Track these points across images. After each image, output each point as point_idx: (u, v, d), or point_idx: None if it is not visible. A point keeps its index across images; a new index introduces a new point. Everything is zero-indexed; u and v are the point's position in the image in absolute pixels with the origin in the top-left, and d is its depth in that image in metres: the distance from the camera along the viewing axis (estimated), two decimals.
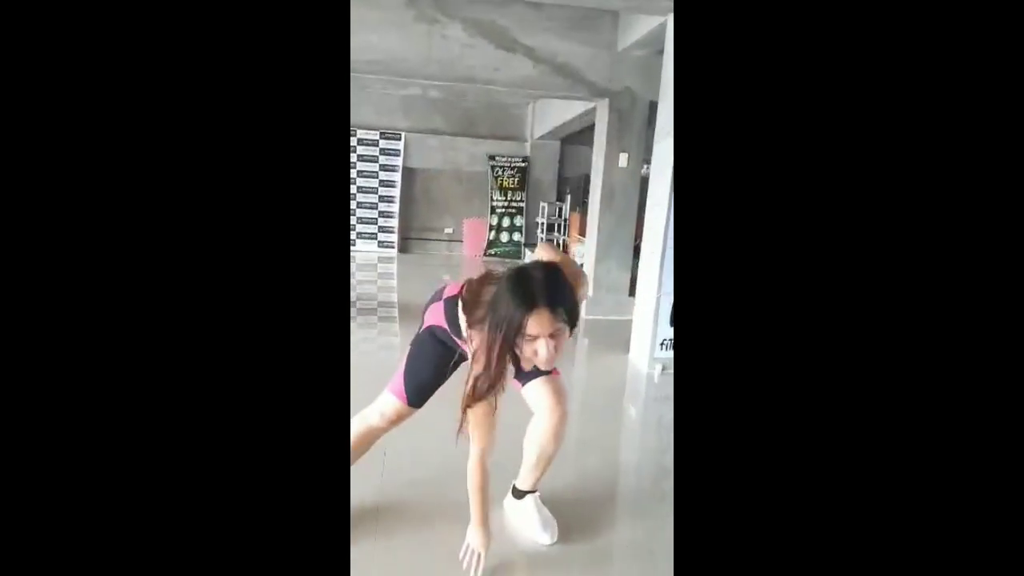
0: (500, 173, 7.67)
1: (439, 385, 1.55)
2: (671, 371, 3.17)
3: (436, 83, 4.07)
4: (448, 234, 7.91)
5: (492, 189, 7.67)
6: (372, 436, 1.61)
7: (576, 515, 1.70)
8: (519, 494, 1.66)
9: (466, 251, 7.81)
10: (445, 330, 1.47)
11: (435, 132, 7.51)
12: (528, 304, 1.16)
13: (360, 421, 1.60)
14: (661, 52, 3.34)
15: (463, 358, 1.44)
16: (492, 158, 7.64)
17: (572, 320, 1.22)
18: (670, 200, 3.05)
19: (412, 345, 1.56)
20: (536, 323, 1.16)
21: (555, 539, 1.58)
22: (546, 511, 1.64)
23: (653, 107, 3.90)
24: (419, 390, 1.53)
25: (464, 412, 1.32)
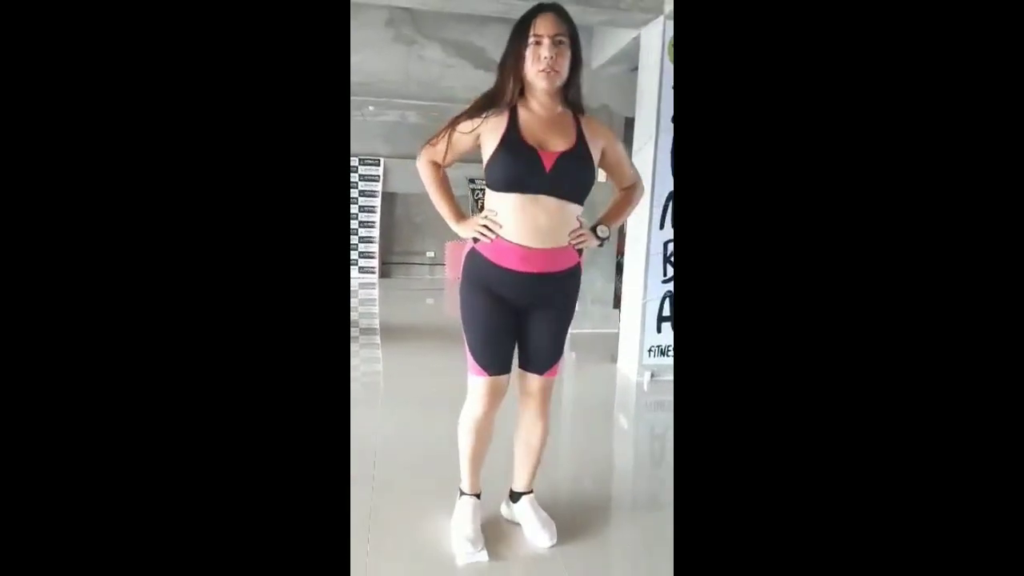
0: (480, 196, 7.71)
1: (510, 338, 1.43)
2: (660, 378, 3.16)
3: (416, 104, 4.11)
4: (430, 258, 7.90)
5: (473, 212, 7.70)
6: (486, 426, 1.50)
7: (573, 519, 1.67)
8: (515, 497, 1.63)
9: (449, 274, 7.79)
10: (480, 255, 1.39)
11: (415, 157, 7.55)
12: (533, 11, 1.32)
13: (465, 421, 1.51)
14: (634, 69, 3.42)
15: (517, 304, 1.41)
16: (472, 181, 7.70)
17: (576, 57, 1.34)
18: (651, 209, 3.09)
19: (461, 310, 1.45)
20: (541, 22, 1.30)
21: (555, 540, 1.55)
22: (544, 513, 1.60)
23: (629, 123, 3.98)
24: (491, 351, 1.41)
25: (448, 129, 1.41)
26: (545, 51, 1.28)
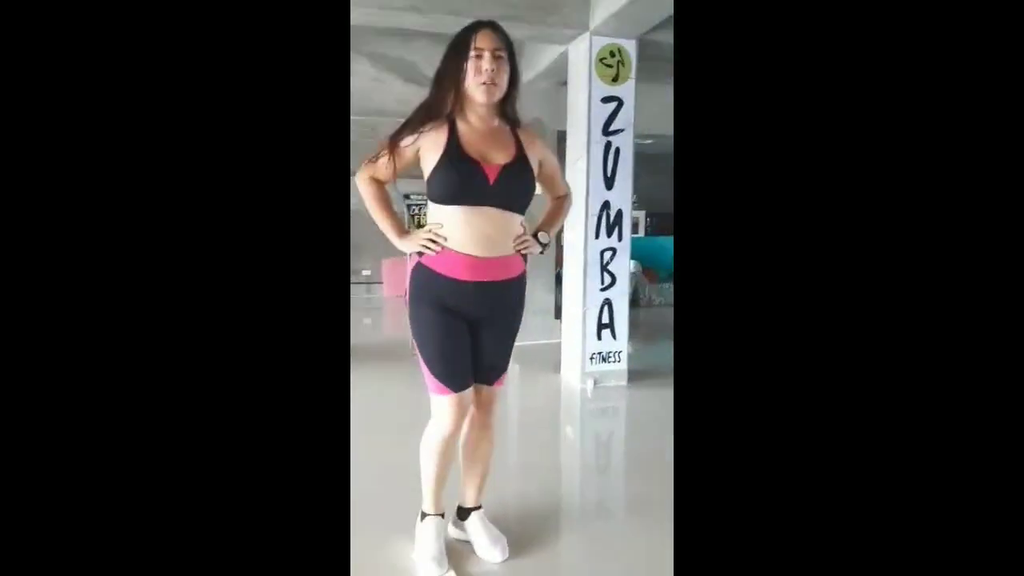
0: (417, 211, 7.65)
1: (465, 352, 1.40)
2: (603, 384, 3.21)
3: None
4: (366, 276, 7.73)
5: (410, 227, 7.62)
6: (452, 445, 1.47)
7: (523, 532, 1.65)
8: (464, 513, 1.60)
9: (386, 292, 7.65)
10: (426, 268, 1.37)
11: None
12: (473, 27, 1.33)
13: (430, 442, 1.46)
14: (564, 83, 3.50)
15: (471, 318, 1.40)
16: (407, 197, 7.62)
17: (513, 71, 1.35)
18: (586, 219, 3.15)
19: (413, 328, 1.41)
20: (483, 37, 1.31)
21: (506, 555, 1.53)
22: (494, 528, 1.58)
23: (562, 136, 4.06)
24: (449, 368, 1.38)
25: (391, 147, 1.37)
26: (486, 63, 1.30)
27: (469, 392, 1.43)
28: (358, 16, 2.83)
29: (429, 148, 1.34)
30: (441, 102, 1.34)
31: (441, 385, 1.39)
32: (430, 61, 4.07)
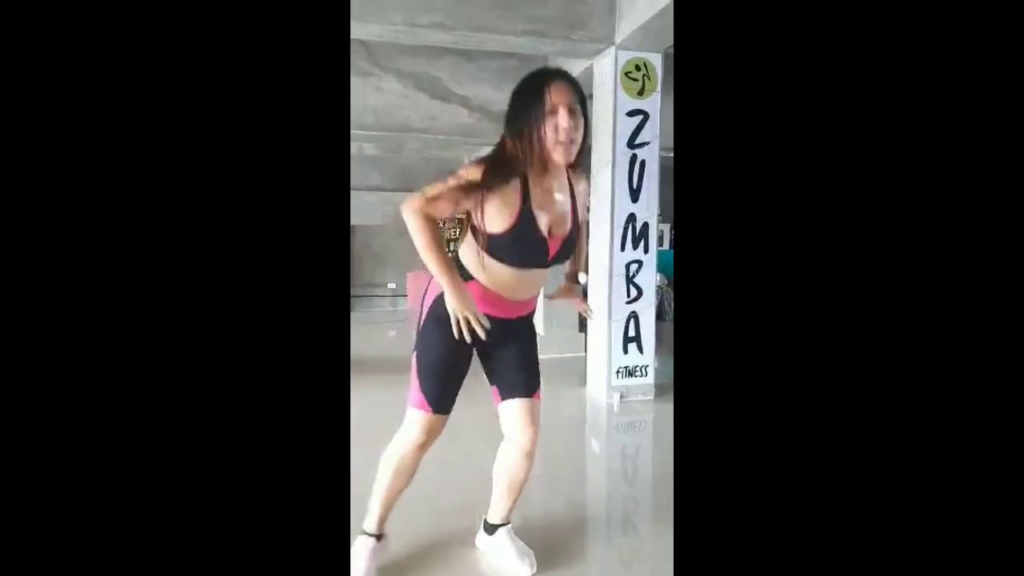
0: (442, 225, 7.72)
1: (460, 379, 1.41)
2: (629, 399, 3.18)
3: (373, 134, 4.11)
4: (392, 289, 7.82)
5: None
6: (411, 464, 1.46)
7: (550, 547, 1.63)
8: (491, 528, 1.59)
9: (411, 304, 7.72)
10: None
11: (373, 189, 7.53)
12: (545, 78, 1.25)
13: (391, 454, 1.45)
14: (588, 97, 3.52)
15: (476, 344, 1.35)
16: None
17: (585, 122, 1.27)
18: (611, 231, 3.14)
19: (417, 342, 1.42)
20: (556, 91, 1.23)
21: (534, 570, 1.51)
22: (521, 543, 1.57)
23: (587, 151, 4.07)
24: (440, 390, 1.39)
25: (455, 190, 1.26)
26: (564, 122, 1.22)
27: (444, 420, 1.42)
28: (384, 33, 2.90)
29: (499, 204, 1.26)
30: (519, 161, 1.25)
31: (424, 402, 1.39)
32: (456, 77, 4.15)
